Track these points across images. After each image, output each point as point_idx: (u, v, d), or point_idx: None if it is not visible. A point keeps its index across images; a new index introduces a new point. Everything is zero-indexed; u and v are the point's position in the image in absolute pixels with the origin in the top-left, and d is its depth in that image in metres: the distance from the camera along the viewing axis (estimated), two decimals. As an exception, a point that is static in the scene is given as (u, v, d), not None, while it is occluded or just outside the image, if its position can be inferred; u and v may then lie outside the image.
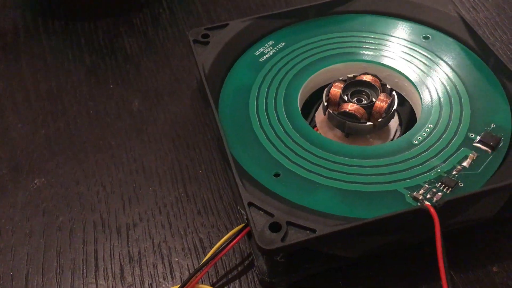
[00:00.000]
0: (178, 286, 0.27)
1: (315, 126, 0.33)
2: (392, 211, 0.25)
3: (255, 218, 0.26)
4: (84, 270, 0.29)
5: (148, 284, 0.28)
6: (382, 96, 0.31)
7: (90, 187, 0.33)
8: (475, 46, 0.34)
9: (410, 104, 0.34)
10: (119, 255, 0.29)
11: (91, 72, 0.40)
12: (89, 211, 0.31)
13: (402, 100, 0.34)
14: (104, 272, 0.29)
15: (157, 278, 0.28)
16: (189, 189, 0.32)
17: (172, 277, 0.28)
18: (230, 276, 0.28)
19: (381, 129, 0.32)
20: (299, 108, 0.32)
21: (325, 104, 0.32)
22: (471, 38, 0.34)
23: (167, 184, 0.32)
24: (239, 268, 0.29)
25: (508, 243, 0.29)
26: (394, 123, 0.33)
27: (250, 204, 0.26)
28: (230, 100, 0.33)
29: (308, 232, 0.25)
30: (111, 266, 0.29)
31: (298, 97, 0.33)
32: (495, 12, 0.42)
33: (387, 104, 0.31)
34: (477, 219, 0.28)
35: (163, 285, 0.28)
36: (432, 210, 0.25)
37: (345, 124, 0.31)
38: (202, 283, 0.28)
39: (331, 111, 0.31)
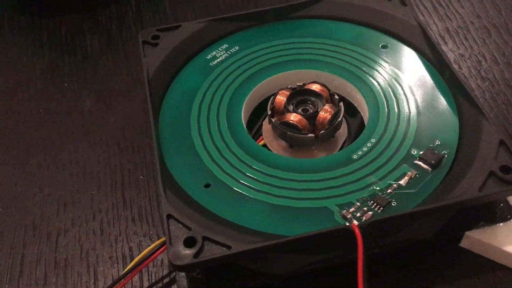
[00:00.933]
0: (96, 297, 0.26)
1: (261, 135, 0.32)
2: (318, 229, 0.24)
3: (172, 231, 0.25)
4: (9, 275, 0.28)
5: (69, 293, 0.27)
6: (327, 107, 0.30)
7: (28, 188, 0.32)
8: (433, 58, 0.32)
9: (361, 116, 0.32)
10: (45, 261, 0.29)
11: (49, 69, 0.39)
12: (22, 213, 0.31)
13: (355, 111, 0.33)
14: (27, 278, 0.28)
15: (79, 287, 0.28)
16: (127, 195, 0.31)
17: (94, 287, 0.28)
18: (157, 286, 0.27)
19: (325, 141, 0.30)
20: (243, 116, 0.31)
21: (269, 112, 0.31)
22: (429, 49, 0.33)
23: (106, 188, 0.32)
24: (165, 281, 0.28)
25: (443, 265, 0.27)
26: (342, 135, 0.32)
27: (169, 216, 0.25)
28: (174, 104, 0.32)
29: (224, 248, 0.24)
30: (36, 272, 0.28)
31: (244, 104, 0.32)
32: (469, 20, 0.41)
33: (331, 115, 0.30)
34: (415, 239, 0.27)
35: (85, 295, 0.27)
36: (357, 230, 0.24)
37: (287, 134, 0.30)
38: (122, 295, 0.27)
39: (273, 120, 0.30)
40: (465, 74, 0.37)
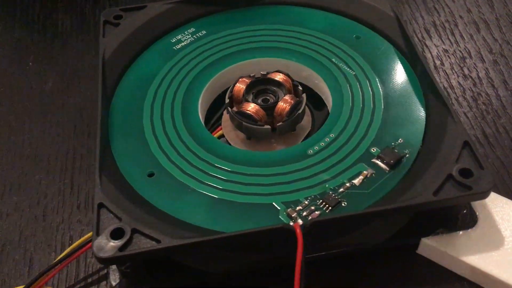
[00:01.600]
0: (23, 286, 0.25)
1: (220, 125, 0.31)
2: (256, 228, 0.23)
3: (101, 220, 0.23)
4: None
5: (1, 281, 0.26)
6: (288, 97, 0.28)
7: (-24, 169, 0.31)
8: (407, 52, 0.30)
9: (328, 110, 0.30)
10: (-18, 245, 0.27)
11: (17, 46, 0.38)
12: (-34, 195, 0.30)
13: (323, 104, 0.31)
14: (-39, 262, 0.27)
15: (13, 273, 0.26)
16: (76, 181, 0.30)
17: (28, 275, 0.26)
18: (90, 279, 0.26)
19: (284, 134, 0.29)
20: (201, 104, 0.30)
21: (227, 101, 0.29)
22: (403, 42, 0.31)
23: (54, 173, 0.30)
24: (102, 273, 0.26)
25: (397, 273, 0.26)
26: (304, 128, 0.30)
27: (101, 205, 0.24)
28: (130, 88, 0.30)
29: (153, 242, 0.22)
30: (-29, 256, 0.27)
31: (203, 92, 0.30)
32: (458, 14, 0.39)
33: (290, 106, 0.28)
34: (368, 244, 0.25)
35: (17, 283, 0.26)
36: (298, 230, 0.22)
37: (242, 125, 0.28)
38: (51, 286, 0.25)
39: (230, 110, 0.29)
40: (447, 71, 0.35)
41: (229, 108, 0.29)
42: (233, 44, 0.32)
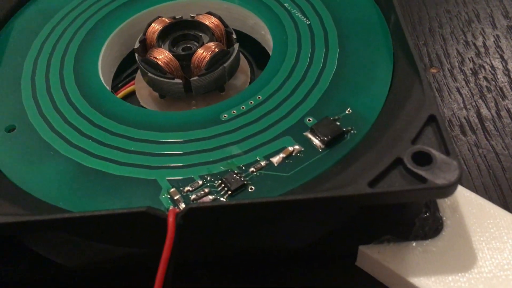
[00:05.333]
0: None
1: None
2: (110, 210, 0.16)
3: None
4: None
5: None
6: (211, 44, 0.22)
7: None
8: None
9: (274, 68, 0.23)
10: None
11: None
12: None
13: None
14: None
15: None
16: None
17: None
18: None
19: (201, 93, 0.22)
20: (107, 47, 0.23)
21: (137, 45, 0.23)
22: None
23: None
24: None
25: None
26: (239, 90, 0.23)
27: None
28: (26, 20, 0.24)
29: (-31, 216, 0.16)
30: None
31: (110, 37, 0.23)
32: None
33: (210, 56, 0.21)
34: (284, 249, 0.19)
35: None
36: (170, 219, 0.16)
37: (148, 76, 0.22)
38: None
39: (137, 56, 0.22)
40: (444, 35, 0.27)
41: (136, 55, 0.22)
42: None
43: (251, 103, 0.20)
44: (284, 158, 0.18)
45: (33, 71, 0.22)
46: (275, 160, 0.18)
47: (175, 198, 0.17)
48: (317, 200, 0.16)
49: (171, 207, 0.17)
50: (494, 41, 0.27)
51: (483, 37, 0.27)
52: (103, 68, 0.22)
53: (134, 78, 0.24)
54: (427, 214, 0.19)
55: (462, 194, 0.19)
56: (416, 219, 0.18)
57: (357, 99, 0.20)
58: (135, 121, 0.20)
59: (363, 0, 0.23)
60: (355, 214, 0.18)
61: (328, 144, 0.18)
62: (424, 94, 0.18)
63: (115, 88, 0.24)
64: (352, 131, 0.19)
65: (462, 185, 0.19)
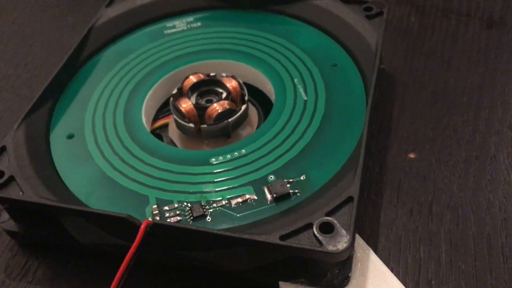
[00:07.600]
0: None
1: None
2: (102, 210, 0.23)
3: (-5, 163, 0.26)
4: None
5: None
6: (224, 102, 0.28)
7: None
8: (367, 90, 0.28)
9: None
10: None
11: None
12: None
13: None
14: None
15: None
16: None
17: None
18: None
19: (209, 137, 0.29)
20: (149, 99, 0.30)
21: (175, 91, 0.30)
22: (369, 79, 0.28)
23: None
24: None
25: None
26: (242, 136, 0.29)
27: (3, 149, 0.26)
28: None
29: (21, 194, 0.24)
30: None
31: (154, 88, 0.31)
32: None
33: (221, 111, 0.28)
34: (224, 267, 0.25)
35: None
36: (142, 226, 0.23)
37: (173, 117, 0.29)
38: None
39: (171, 100, 0.29)
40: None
41: (171, 99, 0.30)
42: (212, 42, 0.33)
43: (235, 154, 0.27)
44: (240, 202, 0.24)
45: (99, 98, 0.30)
46: (234, 202, 0.25)
47: (154, 212, 0.24)
48: (237, 239, 0.22)
49: (149, 218, 0.24)
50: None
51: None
52: (146, 110, 0.30)
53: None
54: (338, 270, 0.24)
55: (373, 261, 0.24)
56: (328, 272, 0.24)
57: (313, 169, 0.25)
58: (147, 149, 0.27)
59: (358, 89, 0.29)
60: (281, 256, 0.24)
61: (275, 200, 0.24)
62: (354, 178, 0.23)
63: (155, 118, 0.31)
64: (298, 193, 0.24)
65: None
